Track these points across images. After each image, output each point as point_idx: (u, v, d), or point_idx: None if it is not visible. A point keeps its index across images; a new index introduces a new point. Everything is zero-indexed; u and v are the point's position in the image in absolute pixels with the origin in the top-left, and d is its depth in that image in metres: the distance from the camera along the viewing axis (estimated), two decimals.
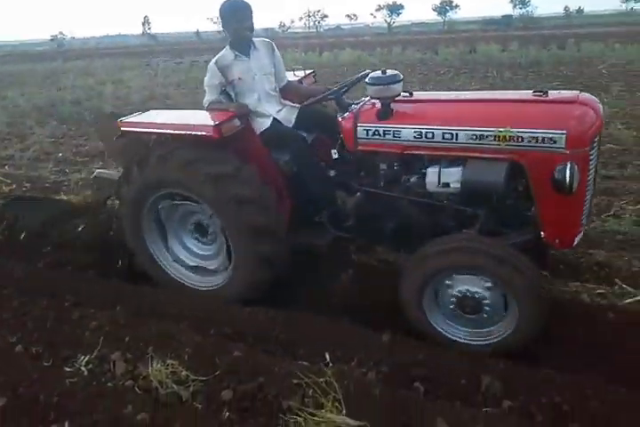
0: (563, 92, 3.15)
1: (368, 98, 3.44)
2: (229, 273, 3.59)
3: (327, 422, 2.28)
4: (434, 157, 3.18)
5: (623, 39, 17.77)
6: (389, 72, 3.19)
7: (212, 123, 3.28)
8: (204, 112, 3.63)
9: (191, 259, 3.88)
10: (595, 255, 3.95)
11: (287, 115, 3.84)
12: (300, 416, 2.33)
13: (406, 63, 16.31)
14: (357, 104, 3.47)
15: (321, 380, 2.47)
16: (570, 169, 2.74)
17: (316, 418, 2.32)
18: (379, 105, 3.28)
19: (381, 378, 2.67)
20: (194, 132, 3.32)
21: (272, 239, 3.37)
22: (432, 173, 3.15)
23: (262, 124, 3.69)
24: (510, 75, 12.91)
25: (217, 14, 3.68)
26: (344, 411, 2.32)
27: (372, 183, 3.49)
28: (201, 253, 3.88)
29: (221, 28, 4.00)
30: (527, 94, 3.12)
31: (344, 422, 2.26)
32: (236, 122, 3.39)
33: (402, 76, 3.19)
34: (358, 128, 3.30)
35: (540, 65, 14.11)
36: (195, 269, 3.86)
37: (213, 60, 3.70)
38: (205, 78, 3.75)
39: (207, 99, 3.73)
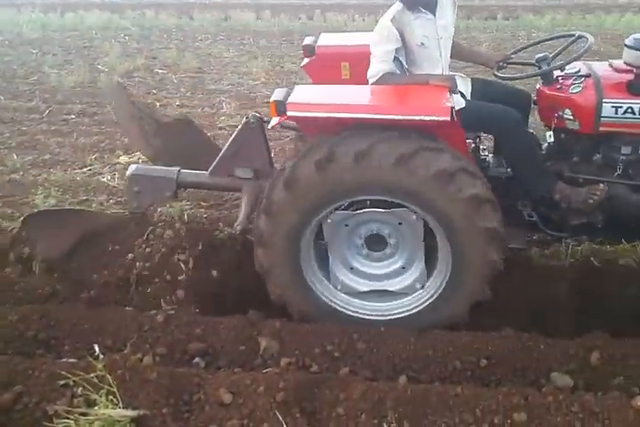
0: None
1: (581, 66, 3.02)
2: (436, 287, 2.86)
3: (102, 419, 2.11)
4: None
5: (361, 11, 19.36)
6: None
7: (436, 103, 2.57)
8: (399, 88, 2.90)
9: (364, 283, 3.01)
10: None
11: (463, 87, 3.17)
12: (69, 419, 2.11)
13: (161, 28, 15.52)
14: (570, 75, 2.99)
15: (91, 375, 2.26)
16: None
17: (89, 418, 2.12)
18: (624, 76, 2.82)
19: (159, 360, 2.56)
20: (419, 117, 2.52)
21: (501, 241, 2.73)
22: None
23: (456, 102, 2.89)
24: (266, 43, 13.18)
25: None
26: (120, 403, 2.17)
27: (609, 172, 2.95)
28: (375, 272, 3.01)
29: None
30: None
31: (120, 414, 2.11)
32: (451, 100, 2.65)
33: None
34: (604, 105, 2.79)
35: (292, 34, 14.65)
36: (367, 295, 3.01)
37: (388, 18, 2.92)
38: (375, 42, 2.95)
39: (379, 69, 2.91)
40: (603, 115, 2.83)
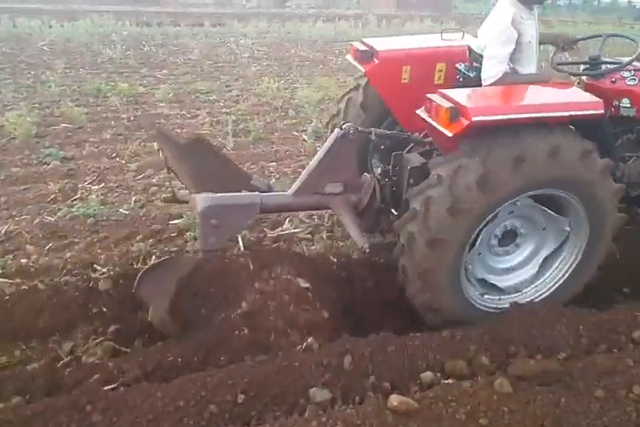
0: None
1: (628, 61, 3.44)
2: (571, 261, 3.19)
3: None
4: None
5: (59, 16, 17.72)
6: None
7: (588, 99, 2.84)
8: (548, 87, 3.08)
9: (533, 264, 3.25)
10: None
11: None
12: None
13: None
14: (617, 69, 3.46)
15: None
16: None
17: None
18: None
19: None
20: (584, 112, 2.76)
21: None
22: None
23: None
24: None
25: None
26: None
27: None
28: (531, 249, 3.24)
29: None
30: None
31: None
32: None
33: None
34: None
35: None
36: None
37: (508, 20, 3.15)
38: (495, 43, 3.17)
39: (499, 69, 3.16)
40: None
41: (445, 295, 2.92)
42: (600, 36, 3.71)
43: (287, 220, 4.17)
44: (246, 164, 5.48)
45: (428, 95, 2.79)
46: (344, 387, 2.47)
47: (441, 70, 3.66)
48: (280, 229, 4.06)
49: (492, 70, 3.18)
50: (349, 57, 3.86)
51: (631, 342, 2.88)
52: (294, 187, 3.18)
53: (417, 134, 3.41)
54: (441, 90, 2.81)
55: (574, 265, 3.20)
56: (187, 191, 3.44)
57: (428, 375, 2.59)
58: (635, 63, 3.59)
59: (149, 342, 3.00)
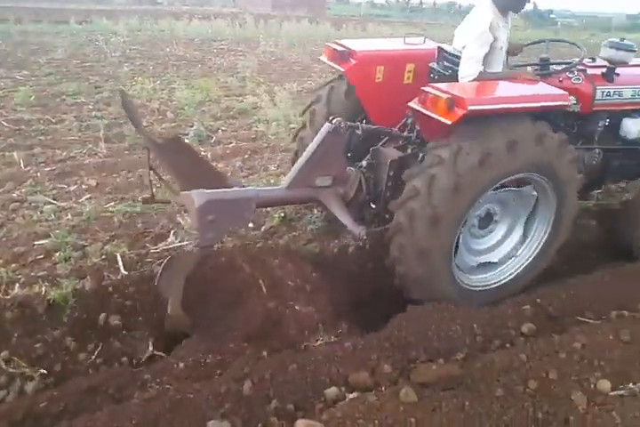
0: None
1: (572, 62, 3.80)
2: (537, 242, 3.50)
3: None
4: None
5: None
6: (627, 41, 3.88)
7: (557, 91, 3.17)
8: (523, 82, 3.35)
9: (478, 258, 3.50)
10: None
11: None
12: None
13: None
14: (561, 70, 3.78)
15: None
16: None
17: None
18: (600, 68, 3.86)
19: None
20: (556, 103, 3.12)
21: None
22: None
23: None
24: None
25: None
26: None
27: (591, 140, 3.88)
28: (485, 246, 3.54)
29: None
30: None
31: None
32: None
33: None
34: (597, 91, 3.74)
35: None
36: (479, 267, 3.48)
37: (486, 26, 3.36)
38: (474, 45, 3.38)
39: (476, 69, 3.37)
40: (596, 98, 3.77)
41: (438, 271, 3.09)
42: (544, 41, 4.20)
43: (172, 232, 3.87)
44: (121, 172, 5.07)
45: (423, 88, 2.99)
46: (245, 415, 2.30)
47: (410, 71, 3.90)
48: (164, 242, 3.75)
49: (469, 69, 3.43)
50: (323, 57, 3.96)
51: (521, 336, 2.98)
52: (286, 181, 3.29)
53: (396, 129, 3.67)
54: (433, 84, 3.05)
55: (534, 253, 3.52)
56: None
57: (332, 391, 2.49)
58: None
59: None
